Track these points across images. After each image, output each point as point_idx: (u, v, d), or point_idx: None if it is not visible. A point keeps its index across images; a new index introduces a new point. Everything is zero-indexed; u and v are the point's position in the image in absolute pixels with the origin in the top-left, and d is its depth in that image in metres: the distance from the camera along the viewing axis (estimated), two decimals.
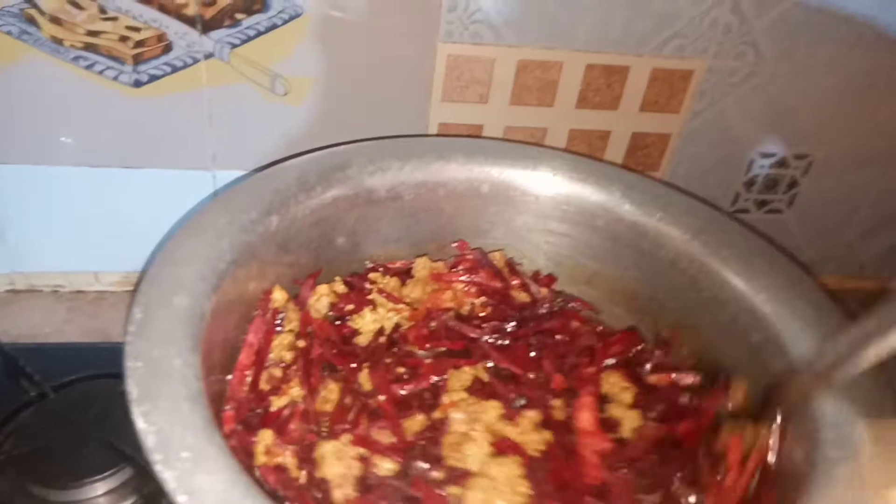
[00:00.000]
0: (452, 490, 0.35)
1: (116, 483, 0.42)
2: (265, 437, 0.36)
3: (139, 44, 0.47)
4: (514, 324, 0.46)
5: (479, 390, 0.41)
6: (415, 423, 0.39)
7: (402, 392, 0.41)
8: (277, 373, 0.40)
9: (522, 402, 0.41)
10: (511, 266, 0.50)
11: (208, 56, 0.48)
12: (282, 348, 0.41)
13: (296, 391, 0.39)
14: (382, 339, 0.44)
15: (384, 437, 0.38)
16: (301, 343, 0.41)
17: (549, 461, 0.38)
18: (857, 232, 0.67)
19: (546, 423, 0.40)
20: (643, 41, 0.52)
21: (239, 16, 0.47)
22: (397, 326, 0.45)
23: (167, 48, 0.47)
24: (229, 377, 0.39)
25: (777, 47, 0.54)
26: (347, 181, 0.44)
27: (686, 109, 0.56)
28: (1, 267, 0.56)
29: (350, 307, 0.45)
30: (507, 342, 0.45)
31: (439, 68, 0.51)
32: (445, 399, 0.40)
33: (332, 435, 0.37)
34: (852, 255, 0.68)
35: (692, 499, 0.37)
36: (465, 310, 0.47)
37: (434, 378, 0.41)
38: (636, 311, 0.48)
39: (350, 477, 0.36)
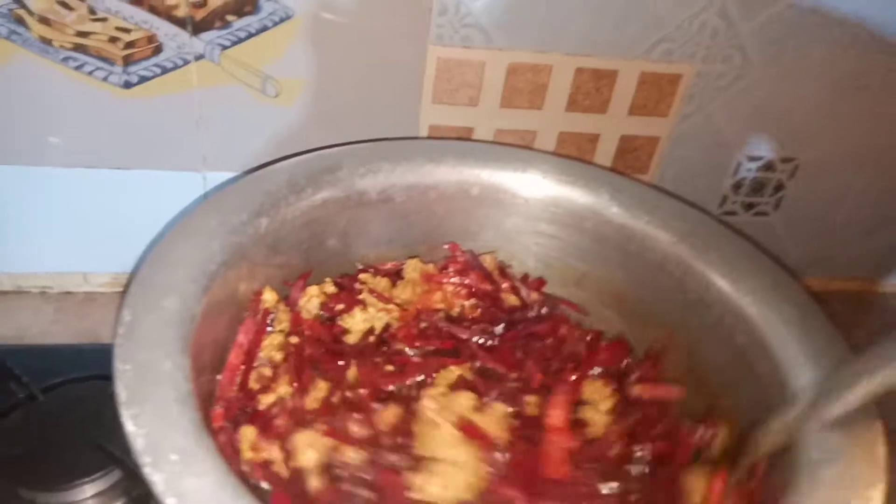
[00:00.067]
0: (414, 476, 0.36)
1: (105, 485, 0.42)
2: (247, 433, 0.36)
3: (129, 45, 0.47)
4: (503, 326, 0.47)
5: (459, 385, 0.41)
6: (390, 414, 0.39)
7: (388, 388, 0.41)
8: (267, 372, 0.40)
9: (494, 393, 0.41)
10: (502, 269, 0.50)
11: (199, 57, 0.48)
12: (272, 348, 0.41)
13: (284, 389, 0.39)
14: (372, 339, 0.44)
15: (358, 428, 0.38)
16: (293, 339, 0.42)
17: (512, 451, 0.38)
18: (842, 234, 0.68)
19: (517, 416, 0.40)
20: (632, 45, 0.52)
21: (230, 17, 0.47)
22: (387, 326, 0.45)
23: (157, 49, 0.47)
24: (219, 377, 0.39)
25: (764, 51, 0.54)
26: (338, 183, 0.45)
27: (674, 113, 0.57)
28: None
29: (340, 307, 0.45)
30: (495, 343, 0.46)
31: (430, 71, 0.51)
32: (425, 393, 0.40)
33: (306, 425, 0.38)
34: (838, 257, 0.69)
35: None
36: (455, 311, 0.47)
37: (420, 376, 0.42)
38: (625, 313, 0.48)
39: (322, 466, 0.36)
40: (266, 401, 0.39)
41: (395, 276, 0.49)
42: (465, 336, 0.45)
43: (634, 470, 0.39)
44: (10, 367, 0.47)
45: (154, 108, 0.49)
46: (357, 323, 0.44)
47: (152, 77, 0.48)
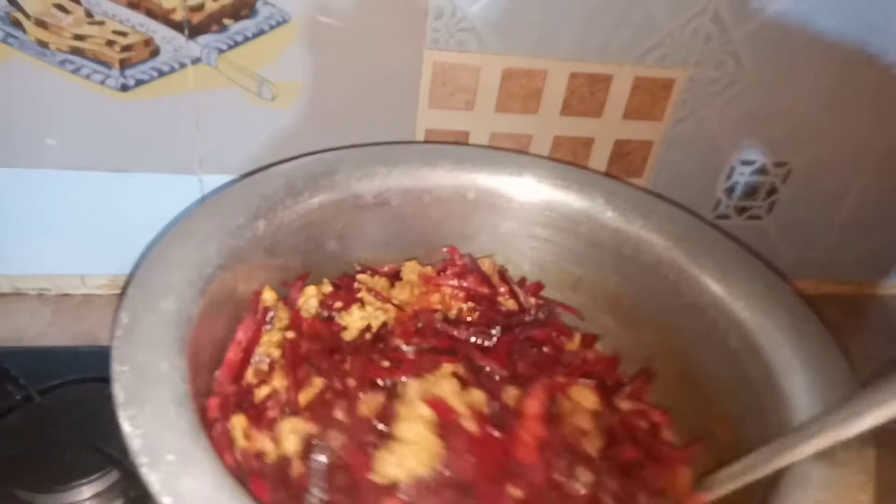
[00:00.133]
0: (382, 453, 0.36)
1: (102, 487, 0.42)
2: (239, 421, 0.37)
3: (126, 48, 0.47)
4: (499, 329, 0.47)
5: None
6: (374, 401, 0.39)
7: (381, 383, 0.41)
8: (264, 368, 0.41)
9: (476, 382, 0.42)
10: (500, 273, 0.50)
11: (195, 61, 0.48)
12: (270, 345, 0.41)
13: (279, 382, 0.40)
14: (369, 336, 0.44)
15: (341, 414, 0.38)
16: (290, 334, 0.42)
17: (482, 435, 0.38)
18: (834, 238, 0.68)
19: (494, 402, 0.40)
20: (625, 51, 0.53)
21: (226, 21, 0.47)
22: (384, 325, 0.45)
23: (154, 53, 0.48)
24: (217, 374, 0.39)
25: (757, 57, 0.55)
26: (335, 187, 0.45)
27: (668, 117, 0.57)
28: None
29: (339, 304, 0.45)
30: (491, 345, 0.46)
31: (426, 75, 0.52)
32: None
33: (293, 412, 0.38)
34: (830, 261, 0.70)
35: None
36: (453, 314, 0.48)
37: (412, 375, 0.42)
38: (620, 317, 0.49)
39: (303, 451, 0.37)
40: (261, 394, 0.39)
41: (394, 277, 0.49)
42: (461, 336, 0.46)
43: (607, 468, 0.40)
44: (7, 369, 0.47)
45: (151, 111, 0.50)
46: (355, 321, 0.44)
47: (149, 80, 0.48)
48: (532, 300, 0.50)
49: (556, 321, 0.49)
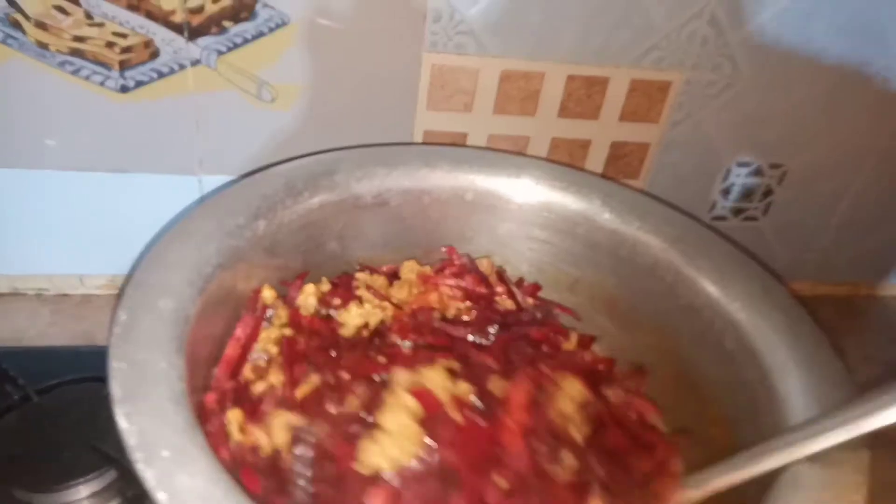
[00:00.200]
0: (366, 443, 0.36)
1: (100, 486, 0.42)
2: (235, 415, 0.37)
3: (126, 50, 0.47)
4: (497, 327, 0.47)
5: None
6: (364, 393, 0.39)
7: (376, 378, 0.41)
8: (262, 364, 0.41)
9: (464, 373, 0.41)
10: (499, 273, 0.51)
11: (195, 62, 0.48)
12: (268, 341, 0.41)
13: (275, 378, 0.40)
14: (366, 333, 0.44)
15: (332, 406, 0.38)
16: (287, 331, 0.42)
17: (466, 423, 0.38)
18: (830, 239, 0.68)
19: (481, 394, 0.40)
20: (622, 53, 0.53)
21: (226, 23, 0.47)
22: (382, 322, 0.45)
23: (154, 54, 0.48)
24: (215, 370, 0.39)
25: (753, 60, 0.55)
26: (335, 187, 0.45)
27: (665, 120, 0.57)
28: None
29: (337, 301, 0.45)
30: (488, 342, 0.46)
31: (424, 77, 0.52)
32: None
33: (288, 407, 0.38)
34: (826, 262, 0.70)
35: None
36: (450, 313, 0.48)
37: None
38: (617, 319, 0.49)
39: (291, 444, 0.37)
40: (257, 389, 0.39)
41: (392, 277, 0.49)
42: (458, 335, 0.46)
43: (593, 453, 0.40)
44: (5, 369, 0.48)
45: (150, 113, 0.50)
46: (352, 317, 0.44)
47: (149, 82, 0.49)
48: (529, 300, 0.50)
49: (553, 321, 0.49)
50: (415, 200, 0.48)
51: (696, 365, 0.44)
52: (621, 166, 0.60)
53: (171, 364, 0.31)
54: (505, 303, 0.49)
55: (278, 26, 0.48)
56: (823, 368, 0.38)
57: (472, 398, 0.39)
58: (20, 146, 0.50)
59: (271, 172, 0.44)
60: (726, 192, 0.63)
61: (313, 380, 0.40)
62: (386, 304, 0.46)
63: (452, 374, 0.41)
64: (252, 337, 0.41)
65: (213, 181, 0.54)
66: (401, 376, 0.39)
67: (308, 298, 0.44)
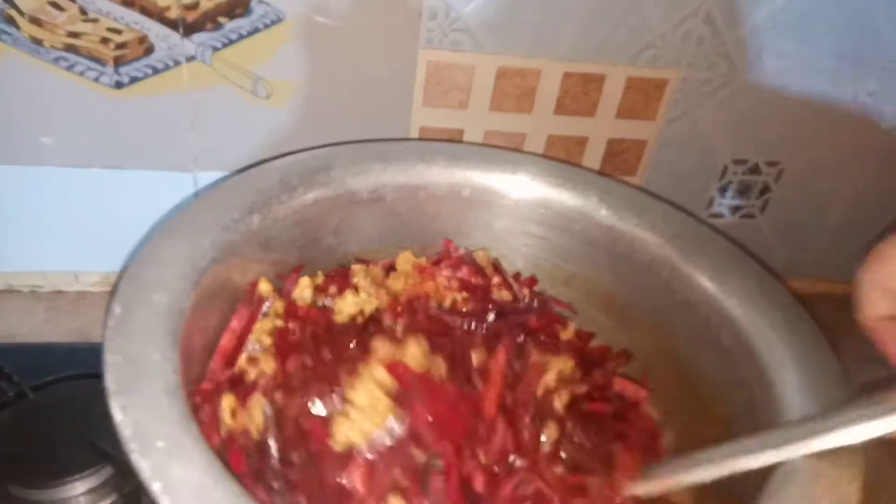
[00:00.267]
0: (338, 418, 0.36)
1: (96, 482, 0.42)
2: (228, 401, 0.37)
3: (120, 46, 0.47)
4: (493, 316, 0.47)
5: None
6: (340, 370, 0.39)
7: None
8: (257, 355, 0.41)
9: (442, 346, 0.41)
10: (495, 265, 0.50)
11: (190, 59, 0.48)
12: (262, 332, 0.41)
13: (267, 366, 0.40)
14: (360, 320, 0.44)
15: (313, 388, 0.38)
16: (278, 322, 0.42)
17: (442, 392, 0.38)
18: (827, 236, 0.68)
19: (461, 365, 0.40)
20: (619, 51, 0.53)
21: (221, 19, 0.47)
22: (376, 310, 0.45)
23: (148, 50, 0.48)
24: (212, 360, 0.40)
25: (749, 59, 0.55)
26: (330, 182, 0.45)
27: (661, 117, 0.57)
28: None
29: (333, 289, 0.45)
30: (484, 331, 0.46)
31: (420, 74, 0.52)
32: None
33: (270, 390, 0.38)
34: (823, 260, 0.70)
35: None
36: (447, 304, 0.48)
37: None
38: (613, 315, 0.49)
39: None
40: (250, 376, 0.40)
41: (389, 270, 0.49)
42: (454, 322, 0.46)
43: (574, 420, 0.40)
44: (0, 366, 0.47)
45: (145, 109, 0.50)
46: (348, 306, 0.44)
47: (143, 78, 0.49)
48: (526, 291, 0.50)
49: (549, 310, 0.49)
50: (410, 196, 0.48)
51: (693, 362, 0.44)
52: (618, 163, 0.59)
53: (165, 357, 0.32)
54: (501, 294, 0.49)
55: (273, 22, 0.48)
56: (820, 365, 0.38)
57: (448, 369, 0.39)
58: (14, 143, 0.50)
59: (266, 168, 0.44)
60: (723, 189, 0.63)
61: (298, 363, 0.40)
62: (382, 291, 0.46)
63: (434, 348, 0.40)
64: (247, 328, 0.41)
65: (208, 178, 0.54)
66: (380, 349, 0.39)
67: (304, 291, 0.44)
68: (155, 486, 0.27)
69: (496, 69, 0.53)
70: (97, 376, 0.30)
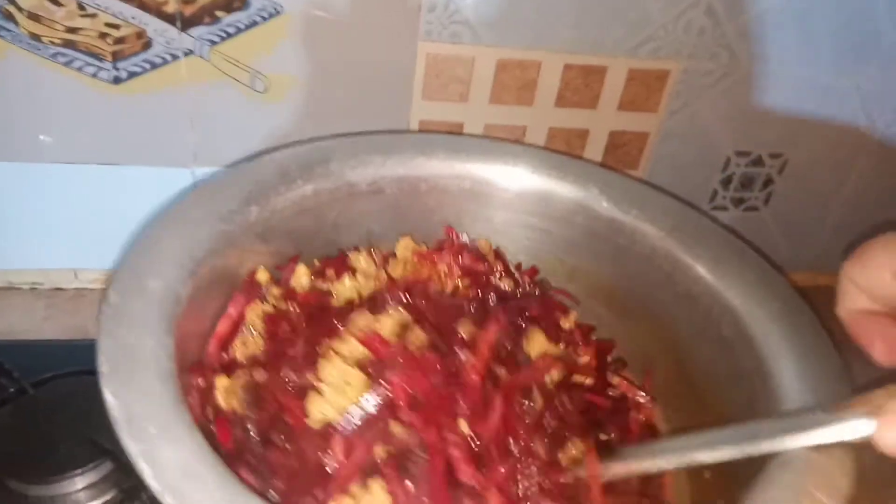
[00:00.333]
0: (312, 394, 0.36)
1: (96, 477, 0.42)
2: (221, 382, 0.37)
3: (118, 41, 0.47)
4: (494, 301, 0.46)
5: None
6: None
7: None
8: (251, 338, 0.41)
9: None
10: (497, 253, 0.50)
11: (188, 53, 0.48)
12: (256, 315, 0.41)
13: (256, 346, 0.40)
14: (356, 302, 0.44)
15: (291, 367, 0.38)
16: (268, 308, 0.42)
17: (421, 360, 0.37)
18: (831, 229, 0.68)
19: (446, 337, 0.40)
20: (619, 43, 0.53)
21: (219, 13, 0.47)
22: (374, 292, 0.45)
23: (147, 45, 0.48)
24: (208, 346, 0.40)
25: (751, 50, 0.55)
26: (329, 175, 0.45)
27: (663, 109, 0.57)
28: None
29: (330, 272, 0.45)
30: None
31: (419, 67, 0.52)
32: None
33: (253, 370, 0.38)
34: (827, 253, 0.70)
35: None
36: (448, 290, 0.47)
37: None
38: (615, 308, 0.49)
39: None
40: (239, 357, 0.40)
41: (388, 258, 0.48)
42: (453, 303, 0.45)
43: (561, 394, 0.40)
44: (0, 362, 0.47)
45: (144, 104, 0.49)
46: (345, 290, 0.44)
47: (142, 73, 0.48)
48: (527, 280, 0.49)
49: (550, 298, 0.49)
50: (411, 188, 0.47)
51: (694, 355, 0.44)
52: (620, 156, 0.59)
53: (159, 343, 0.32)
54: (503, 282, 0.49)
55: (272, 16, 0.48)
56: (819, 357, 0.38)
57: (431, 340, 0.39)
58: (12, 139, 0.50)
59: (264, 159, 0.44)
60: (726, 181, 0.63)
61: (284, 342, 0.40)
62: (381, 274, 0.46)
63: (417, 318, 0.40)
64: (243, 314, 0.41)
65: (207, 173, 0.54)
66: (357, 321, 0.38)
67: (301, 278, 0.44)
68: (144, 469, 0.27)
69: (496, 61, 0.52)
70: (96, 373, 0.30)
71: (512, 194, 0.49)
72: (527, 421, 0.37)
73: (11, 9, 0.45)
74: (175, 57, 0.48)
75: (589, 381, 0.44)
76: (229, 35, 0.48)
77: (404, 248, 0.48)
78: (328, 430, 0.34)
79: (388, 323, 0.38)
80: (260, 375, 0.37)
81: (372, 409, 0.35)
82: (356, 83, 0.51)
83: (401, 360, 0.36)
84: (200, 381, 0.37)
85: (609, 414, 0.43)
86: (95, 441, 0.42)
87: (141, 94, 0.49)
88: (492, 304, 0.45)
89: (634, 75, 0.55)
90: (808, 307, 0.41)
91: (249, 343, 0.40)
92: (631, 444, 0.41)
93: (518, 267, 0.51)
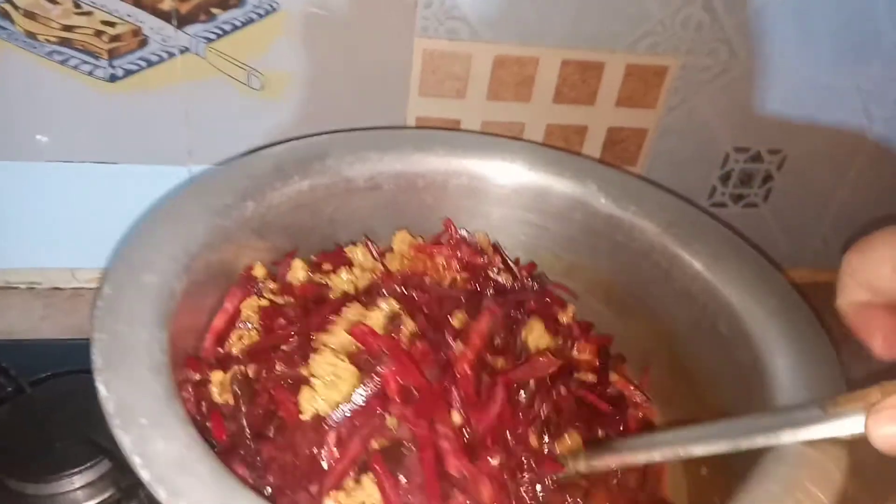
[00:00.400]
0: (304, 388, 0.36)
1: (94, 476, 0.42)
2: (217, 377, 0.37)
3: (114, 38, 0.47)
4: (492, 293, 0.46)
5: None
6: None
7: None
8: (247, 332, 0.41)
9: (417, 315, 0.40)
10: (495, 247, 0.50)
11: (184, 51, 0.48)
12: (251, 309, 0.41)
13: (250, 340, 0.40)
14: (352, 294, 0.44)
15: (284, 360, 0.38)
16: (263, 302, 0.42)
17: (411, 351, 0.37)
18: (830, 226, 0.68)
19: (438, 327, 0.40)
20: (617, 38, 0.53)
21: (214, 10, 0.47)
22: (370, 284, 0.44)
23: (142, 43, 0.47)
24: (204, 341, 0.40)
25: (749, 45, 0.55)
26: (326, 171, 0.45)
27: (661, 105, 0.57)
28: None
29: (327, 266, 0.45)
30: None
31: (416, 63, 0.51)
32: None
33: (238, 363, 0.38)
34: (826, 249, 0.70)
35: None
36: (445, 284, 0.47)
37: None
38: (613, 304, 0.49)
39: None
40: (234, 351, 0.40)
41: (385, 253, 0.48)
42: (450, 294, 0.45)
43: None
44: None
45: (140, 102, 0.49)
46: (342, 283, 0.44)
47: (137, 70, 0.48)
48: (525, 274, 0.49)
49: (548, 292, 0.49)
50: (407, 184, 0.47)
51: (690, 351, 0.44)
52: (618, 152, 0.59)
53: (153, 336, 0.32)
54: (502, 276, 0.48)
55: (267, 13, 0.48)
56: (816, 353, 0.37)
57: (422, 330, 0.38)
58: (9, 138, 0.50)
59: (261, 155, 0.44)
60: (725, 178, 0.63)
61: (278, 334, 0.40)
62: (378, 266, 0.45)
63: (409, 308, 0.40)
64: (239, 308, 0.41)
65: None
66: (348, 313, 0.38)
67: (298, 273, 0.44)
68: (135, 460, 0.27)
69: (493, 57, 0.52)
70: None
71: (509, 190, 0.49)
72: (521, 413, 0.37)
73: (7, 7, 0.45)
74: (171, 55, 0.48)
75: (591, 377, 0.44)
76: (225, 32, 0.48)
77: (401, 241, 0.48)
78: (321, 425, 0.34)
79: (378, 315, 0.38)
80: (253, 370, 0.37)
81: (363, 403, 0.35)
82: (352, 80, 0.51)
83: (390, 352, 0.36)
84: (196, 375, 0.37)
85: (608, 412, 0.43)
86: (93, 440, 0.42)
87: (137, 91, 0.49)
88: (490, 295, 0.45)
89: (632, 71, 0.55)
90: (804, 304, 0.41)
91: (246, 338, 0.40)
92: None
93: (516, 262, 0.51)
